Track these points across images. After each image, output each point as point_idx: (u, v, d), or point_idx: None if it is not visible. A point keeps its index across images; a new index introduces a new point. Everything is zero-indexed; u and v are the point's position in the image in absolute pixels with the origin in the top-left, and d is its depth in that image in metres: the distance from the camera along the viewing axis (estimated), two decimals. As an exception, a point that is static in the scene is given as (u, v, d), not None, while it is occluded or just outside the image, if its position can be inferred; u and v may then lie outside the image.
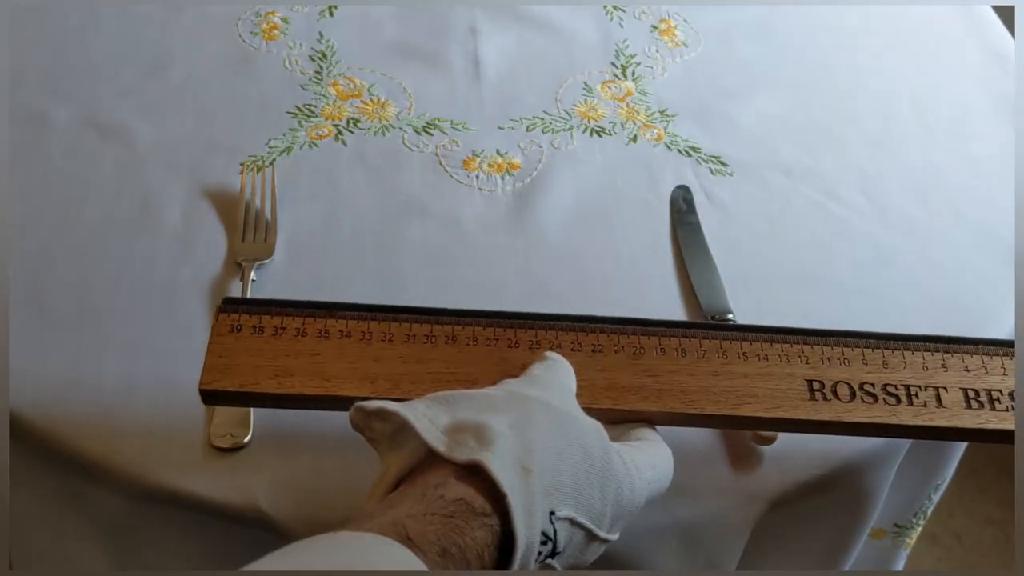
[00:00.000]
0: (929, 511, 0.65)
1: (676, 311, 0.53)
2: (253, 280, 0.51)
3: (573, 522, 0.33)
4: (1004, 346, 0.43)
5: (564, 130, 0.63)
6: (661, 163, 0.61)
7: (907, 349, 0.43)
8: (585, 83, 0.67)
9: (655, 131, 0.64)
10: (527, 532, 0.31)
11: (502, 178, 0.59)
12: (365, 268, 0.53)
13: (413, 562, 0.28)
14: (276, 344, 0.41)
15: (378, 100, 0.64)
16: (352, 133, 0.61)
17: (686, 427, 0.42)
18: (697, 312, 0.52)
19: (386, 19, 0.70)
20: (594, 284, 0.54)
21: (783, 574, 0.53)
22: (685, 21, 0.73)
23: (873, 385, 0.42)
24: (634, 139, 0.63)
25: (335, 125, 0.62)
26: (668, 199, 0.59)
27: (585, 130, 0.63)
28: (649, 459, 0.38)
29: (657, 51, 0.70)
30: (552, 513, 0.32)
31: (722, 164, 0.62)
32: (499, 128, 0.63)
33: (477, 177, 0.59)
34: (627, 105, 0.65)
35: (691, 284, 0.54)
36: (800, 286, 0.55)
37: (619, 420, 0.41)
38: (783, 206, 0.59)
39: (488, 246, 0.55)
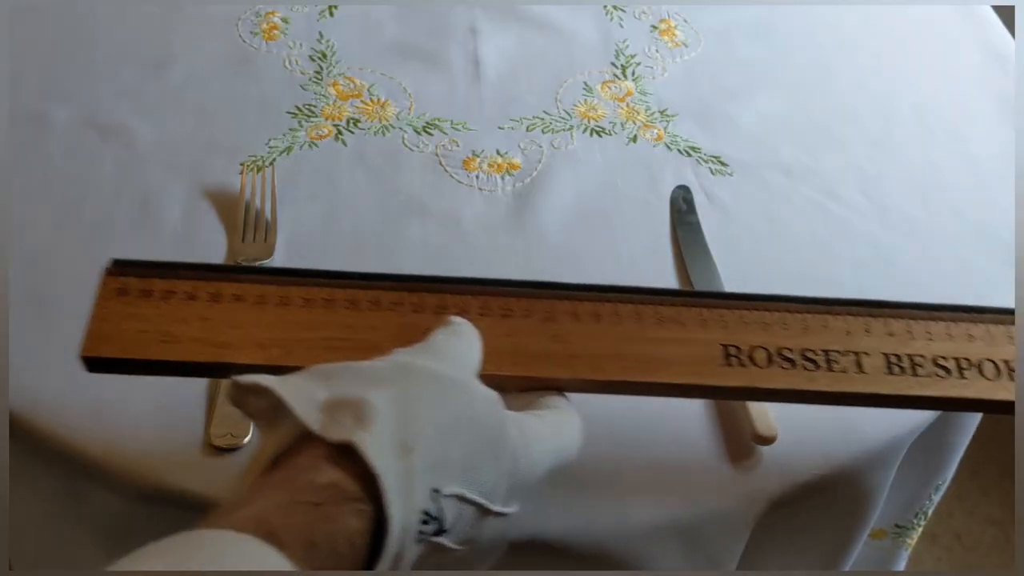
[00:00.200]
0: (930, 511, 0.65)
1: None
2: (253, 280, 0.51)
3: (462, 498, 0.32)
4: (928, 310, 0.42)
5: (564, 130, 0.63)
6: (661, 163, 0.61)
7: (829, 313, 0.42)
8: (585, 83, 0.67)
9: (655, 131, 0.64)
10: (403, 514, 0.29)
11: (502, 178, 0.59)
12: (365, 268, 0.53)
13: (275, 560, 0.26)
14: (164, 308, 0.38)
15: (378, 100, 0.64)
16: (352, 133, 0.61)
17: (597, 394, 0.40)
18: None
19: (386, 19, 0.70)
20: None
21: (783, 574, 0.53)
22: (685, 21, 0.73)
23: (791, 350, 0.40)
24: (634, 139, 0.63)
25: (335, 125, 0.62)
26: (668, 199, 0.59)
27: (585, 130, 0.63)
28: (552, 428, 0.36)
29: (657, 51, 0.70)
30: (437, 491, 0.30)
31: (722, 164, 0.62)
32: (499, 128, 0.63)
33: (477, 177, 0.59)
34: (627, 105, 0.65)
35: (691, 284, 0.54)
36: (800, 286, 0.54)
37: (528, 388, 0.39)
38: (783, 206, 0.59)
39: (488, 246, 0.55)
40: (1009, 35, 0.75)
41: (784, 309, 0.42)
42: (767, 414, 0.46)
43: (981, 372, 0.40)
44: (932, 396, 0.40)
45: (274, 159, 0.59)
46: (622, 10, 0.73)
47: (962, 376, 0.40)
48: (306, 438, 0.30)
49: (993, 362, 0.41)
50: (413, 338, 0.37)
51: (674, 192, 0.59)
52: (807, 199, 0.60)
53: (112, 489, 0.44)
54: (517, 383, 0.39)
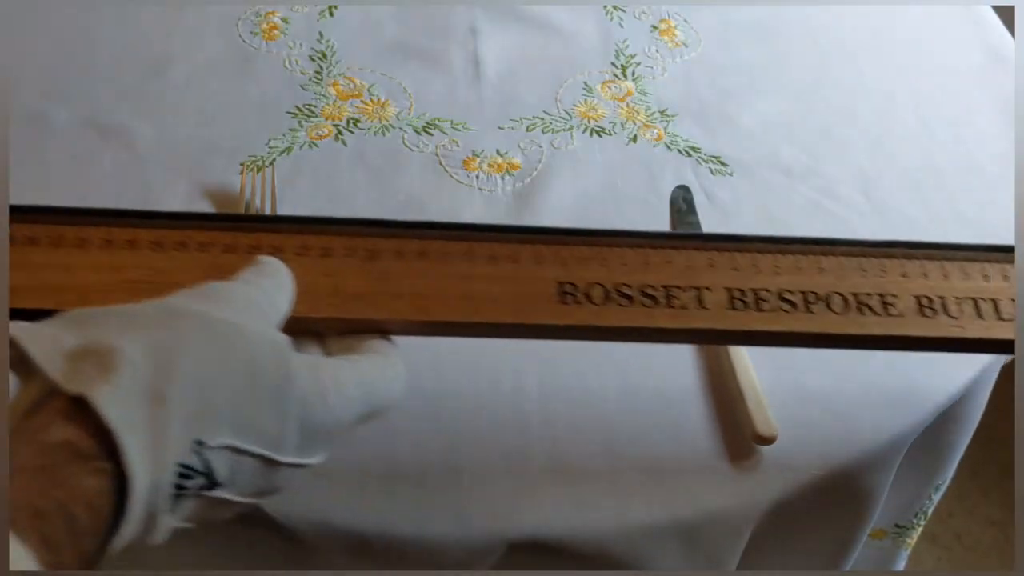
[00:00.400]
0: (929, 511, 0.65)
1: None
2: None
3: (237, 450, 0.30)
4: (776, 243, 0.41)
5: (564, 130, 0.63)
6: (661, 163, 0.61)
7: (673, 248, 0.40)
8: (585, 83, 0.67)
9: (655, 131, 0.64)
10: (150, 470, 0.27)
11: (502, 178, 0.59)
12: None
13: None
14: None
15: (378, 100, 0.64)
16: (352, 133, 0.61)
17: (425, 336, 0.39)
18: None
19: (386, 19, 0.70)
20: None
21: (783, 574, 0.53)
22: (685, 21, 0.73)
23: (630, 287, 0.38)
24: (634, 139, 0.63)
25: (335, 125, 0.62)
26: (668, 199, 0.59)
27: (585, 130, 0.63)
28: (361, 373, 0.34)
29: (657, 51, 0.70)
30: (201, 443, 0.28)
31: (722, 164, 0.62)
32: (499, 128, 0.63)
33: (477, 177, 0.59)
34: (627, 105, 0.65)
35: (691, 284, 0.53)
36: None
37: (350, 331, 0.37)
38: (783, 206, 0.59)
39: (488, 246, 0.55)
40: (1009, 35, 0.75)
41: (625, 244, 0.40)
42: (767, 414, 0.46)
43: (829, 306, 0.39)
44: (774, 331, 0.38)
45: (274, 159, 0.59)
46: (622, 10, 0.73)
47: (808, 310, 0.39)
48: (51, 392, 0.28)
49: (842, 295, 0.39)
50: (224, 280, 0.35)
51: (674, 192, 0.59)
52: (807, 199, 0.60)
53: (112, 489, 0.44)
54: (336, 325, 0.37)
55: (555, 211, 0.57)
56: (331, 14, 0.70)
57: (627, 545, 0.43)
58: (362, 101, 0.64)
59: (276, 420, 0.31)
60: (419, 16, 0.71)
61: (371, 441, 0.45)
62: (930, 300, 0.40)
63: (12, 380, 0.29)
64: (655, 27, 0.72)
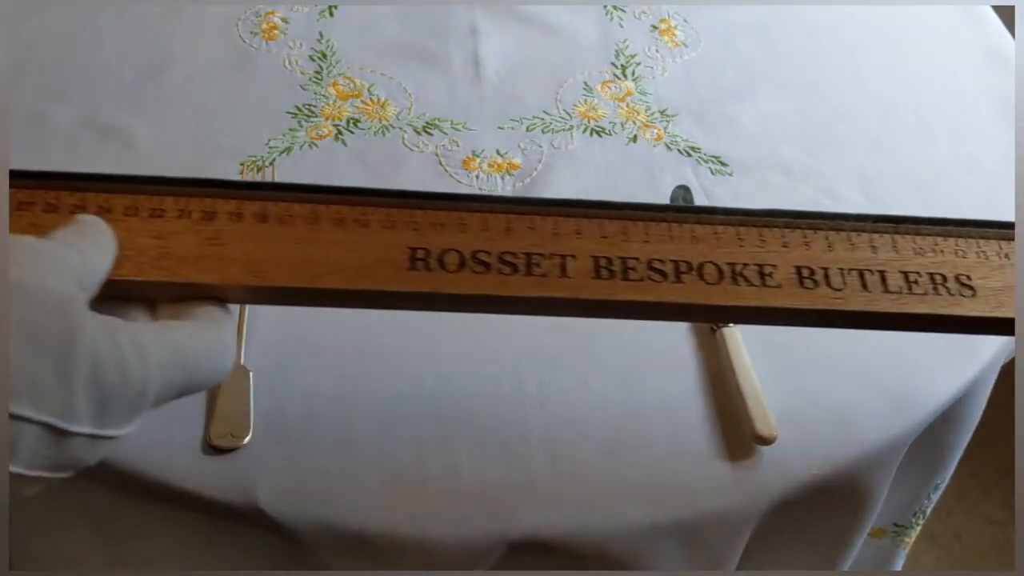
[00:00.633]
0: (928, 511, 0.65)
1: (676, 311, 0.53)
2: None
3: (13, 415, 0.28)
4: (649, 210, 0.39)
5: (564, 130, 0.63)
6: (661, 163, 0.61)
7: (537, 214, 0.38)
8: (585, 83, 0.67)
9: (655, 131, 0.64)
10: None
11: (502, 178, 0.59)
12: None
13: None
14: None
15: (378, 100, 0.64)
16: (352, 133, 0.61)
17: (262, 304, 0.37)
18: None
19: (386, 19, 0.70)
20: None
21: (783, 574, 0.53)
22: (685, 21, 0.73)
23: (488, 253, 0.36)
24: (634, 139, 0.63)
25: (335, 125, 0.62)
26: (668, 199, 0.59)
27: (585, 130, 0.63)
28: (175, 339, 0.32)
29: (657, 51, 0.70)
30: None
31: (722, 164, 0.62)
32: (499, 128, 0.63)
33: (477, 177, 0.59)
34: (627, 105, 0.65)
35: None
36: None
37: (179, 296, 0.35)
38: (783, 206, 0.59)
39: (488, 246, 0.55)
40: (1009, 35, 0.75)
41: (487, 210, 0.38)
42: (767, 414, 0.46)
43: (701, 276, 0.37)
44: (640, 301, 0.36)
45: (274, 159, 0.59)
46: (622, 10, 0.73)
47: (679, 280, 0.37)
48: None
49: (716, 265, 0.37)
50: None
51: (674, 192, 0.59)
52: (807, 199, 0.60)
53: (112, 489, 0.44)
54: (164, 290, 0.35)
55: (555, 211, 0.57)
56: (331, 14, 0.70)
57: (627, 545, 0.43)
58: (362, 101, 0.64)
59: (59, 384, 0.28)
60: (419, 16, 0.71)
61: (370, 441, 0.45)
62: (811, 271, 0.37)
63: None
64: (655, 27, 0.72)
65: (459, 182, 0.59)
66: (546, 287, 0.36)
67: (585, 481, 0.44)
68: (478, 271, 0.36)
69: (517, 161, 0.61)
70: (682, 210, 0.39)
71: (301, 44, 0.68)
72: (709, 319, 0.38)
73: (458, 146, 0.61)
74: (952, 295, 0.38)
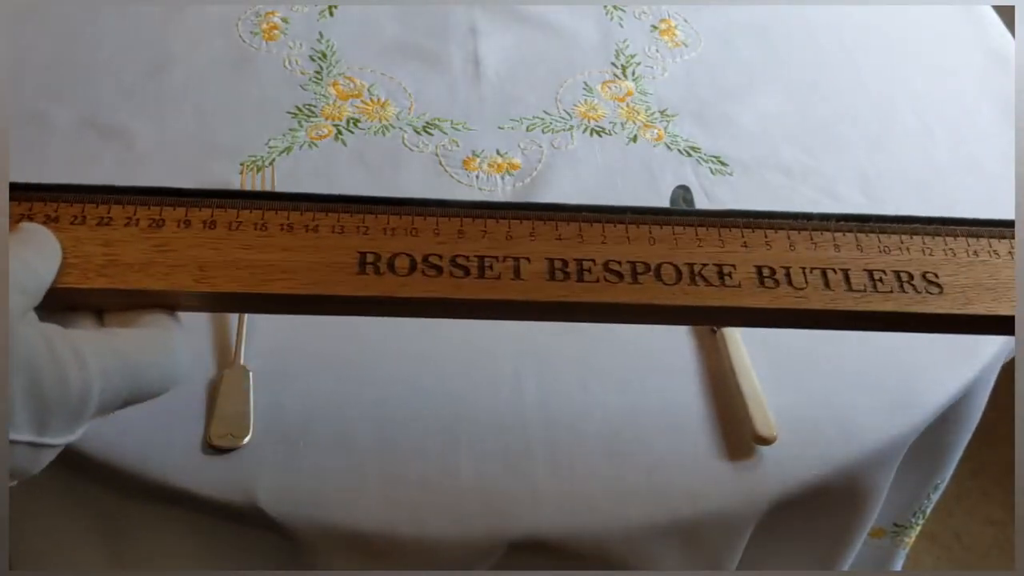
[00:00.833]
0: (928, 511, 0.65)
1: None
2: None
3: None
4: (605, 212, 0.38)
5: (564, 130, 0.63)
6: (661, 163, 0.61)
7: (492, 218, 0.37)
8: (585, 83, 0.67)
9: (655, 131, 0.64)
10: None
11: (502, 178, 0.59)
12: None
13: None
14: None
15: (378, 100, 0.64)
16: (352, 133, 0.61)
17: (210, 312, 0.37)
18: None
19: (386, 19, 0.70)
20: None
21: (783, 574, 0.53)
22: (685, 21, 0.73)
23: (440, 257, 0.36)
24: (634, 139, 0.63)
25: (335, 125, 0.62)
26: (668, 199, 0.59)
27: (585, 130, 0.63)
28: (118, 346, 0.32)
29: (657, 51, 0.70)
30: None
31: (722, 164, 0.62)
32: (499, 128, 0.63)
33: (477, 177, 0.59)
34: (627, 105, 0.65)
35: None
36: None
37: (128, 305, 0.35)
38: (783, 206, 0.59)
39: (488, 246, 0.55)
40: (1009, 35, 0.75)
41: (440, 214, 0.37)
42: (767, 414, 0.46)
43: (659, 276, 0.36)
44: (595, 302, 0.36)
45: (274, 159, 0.59)
46: (622, 10, 0.73)
47: (636, 281, 0.36)
48: None
49: (674, 265, 0.37)
50: None
51: (674, 192, 0.59)
52: (807, 199, 0.60)
53: (112, 489, 0.44)
54: (112, 298, 0.35)
55: (555, 211, 0.57)
56: (331, 14, 0.70)
57: (627, 545, 0.43)
58: (362, 101, 0.64)
59: None
60: (419, 16, 0.71)
61: (370, 441, 0.45)
62: (772, 270, 0.37)
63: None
64: (655, 27, 0.72)
65: (459, 182, 0.59)
66: (499, 290, 0.36)
67: (585, 481, 0.44)
68: (430, 274, 0.36)
69: (517, 161, 0.61)
70: (640, 211, 0.38)
71: (301, 44, 0.68)
72: (667, 320, 0.37)
73: (458, 146, 0.61)
74: (919, 293, 0.37)
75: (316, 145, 0.60)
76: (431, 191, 0.58)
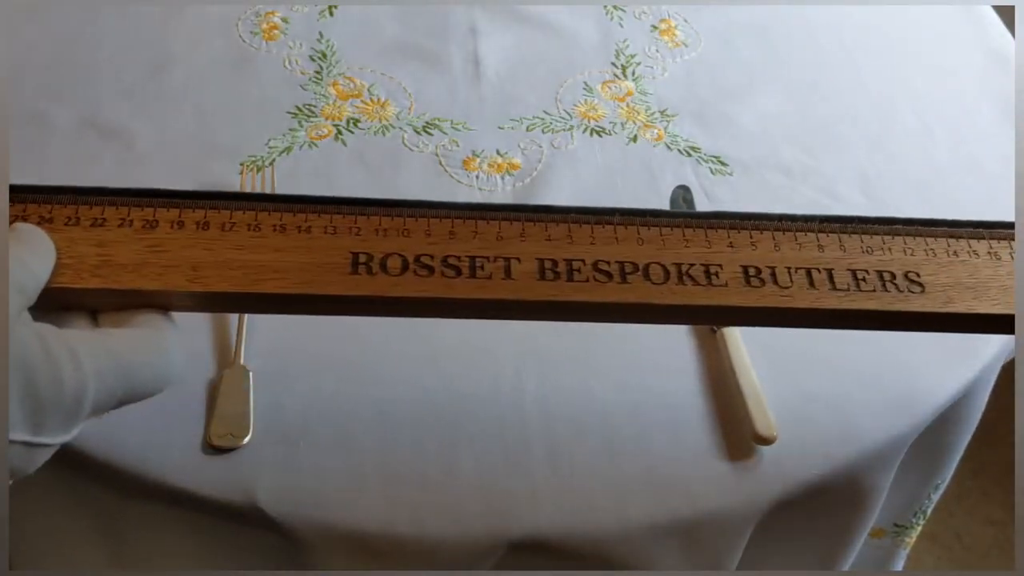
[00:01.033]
0: (929, 511, 0.65)
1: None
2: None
3: None
4: (594, 214, 0.39)
5: (564, 130, 0.63)
6: (661, 163, 0.61)
7: (482, 219, 0.38)
8: (585, 83, 0.67)
9: (655, 131, 0.64)
10: None
11: (502, 178, 0.59)
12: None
13: None
14: None
15: (378, 100, 0.64)
16: (352, 133, 0.61)
17: (203, 312, 0.37)
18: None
19: (386, 19, 0.70)
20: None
21: (783, 574, 0.53)
22: (685, 21, 0.73)
23: (432, 257, 0.36)
24: (634, 139, 0.63)
25: (335, 125, 0.62)
26: (668, 199, 0.59)
27: (585, 130, 0.63)
28: (112, 347, 0.32)
29: (657, 51, 0.70)
30: None
31: (722, 164, 0.62)
32: (499, 128, 0.63)
33: (477, 177, 0.59)
34: (627, 105, 0.65)
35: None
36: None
37: (122, 305, 0.35)
38: (783, 206, 0.59)
39: (488, 246, 0.55)
40: (1009, 35, 0.75)
41: (431, 215, 0.38)
42: (767, 414, 0.46)
43: (647, 276, 0.37)
44: (586, 301, 0.36)
45: (274, 159, 0.59)
46: (622, 10, 0.73)
47: (624, 281, 0.37)
48: None
49: (662, 265, 0.37)
50: None
51: (674, 192, 0.59)
52: (807, 199, 0.60)
53: (112, 489, 0.44)
54: (105, 298, 0.35)
55: (555, 211, 0.57)
56: (331, 14, 0.70)
57: (627, 545, 0.43)
58: (362, 101, 0.64)
59: None
60: (419, 16, 0.71)
61: (370, 441, 0.45)
62: (758, 270, 0.38)
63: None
64: (655, 27, 0.72)
65: (459, 182, 0.59)
66: (490, 289, 0.36)
67: (585, 481, 0.44)
68: (421, 274, 0.36)
69: (517, 161, 0.61)
70: (628, 213, 0.39)
71: (301, 44, 0.68)
72: (655, 320, 0.38)
73: (458, 146, 0.61)
74: (901, 292, 0.38)
75: (316, 145, 0.60)
76: (431, 191, 0.58)
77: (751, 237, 0.39)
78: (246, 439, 0.44)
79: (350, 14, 0.70)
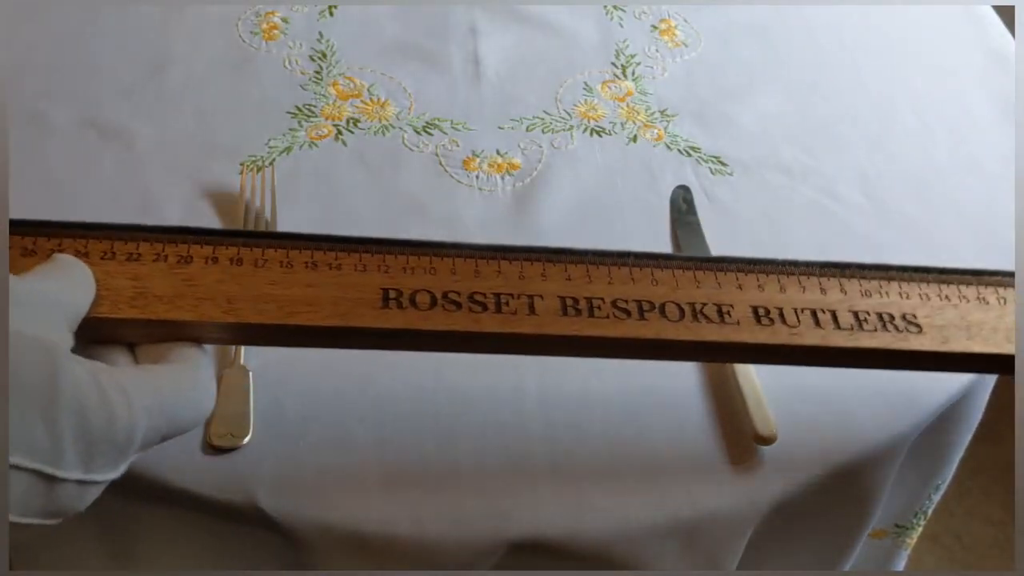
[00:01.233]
0: (930, 511, 0.65)
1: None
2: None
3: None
4: (611, 256, 0.41)
5: (564, 130, 0.63)
6: (661, 163, 0.61)
7: (505, 259, 0.40)
8: (585, 83, 0.67)
9: (655, 131, 0.64)
10: None
11: (502, 178, 0.59)
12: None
13: None
14: None
15: (378, 100, 0.64)
16: (352, 133, 0.61)
17: (237, 344, 0.38)
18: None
19: (386, 19, 0.70)
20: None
21: (783, 574, 0.53)
22: (685, 21, 0.73)
23: (459, 293, 0.38)
24: (634, 139, 0.63)
25: (335, 125, 0.62)
26: (668, 199, 0.59)
27: (585, 130, 0.63)
28: (156, 382, 0.32)
29: (657, 51, 0.70)
30: None
31: (722, 164, 0.62)
32: (499, 128, 0.63)
33: (477, 177, 0.59)
34: (627, 105, 0.65)
35: (691, 284, 0.53)
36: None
37: (162, 338, 0.36)
38: (783, 206, 0.59)
39: (488, 246, 0.55)
40: (1009, 35, 0.75)
41: (456, 255, 0.40)
42: (767, 414, 0.46)
43: (664, 314, 0.39)
44: (607, 337, 0.38)
45: (274, 159, 0.59)
46: (622, 10, 0.73)
47: (643, 318, 0.39)
48: None
49: (677, 304, 0.40)
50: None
51: (674, 192, 0.59)
52: (807, 199, 0.60)
53: (112, 488, 0.44)
54: (140, 329, 0.35)
55: (555, 211, 0.57)
56: (331, 14, 0.70)
57: (627, 545, 0.43)
58: (362, 101, 0.64)
59: (46, 431, 0.28)
60: (419, 16, 0.71)
61: (370, 441, 0.45)
62: (767, 310, 0.40)
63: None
64: (655, 27, 0.72)
65: (459, 182, 0.59)
66: (515, 324, 0.38)
67: (585, 481, 0.44)
68: (449, 309, 0.38)
69: (517, 161, 0.61)
70: (641, 256, 0.41)
71: (301, 44, 0.68)
72: (673, 356, 0.40)
73: (458, 146, 0.61)
74: (900, 332, 0.40)
75: (316, 145, 0.60)
76: (431, 191, 0.58)
77: (758, 280, 0.41)
78: (246, 439, 0.44)
79: (350, 14, 0.70)
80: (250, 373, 0.46)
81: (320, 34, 0.68)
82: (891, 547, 0.67)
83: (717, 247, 0.56)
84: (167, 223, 0.54)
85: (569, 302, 0.39)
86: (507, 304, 0.38)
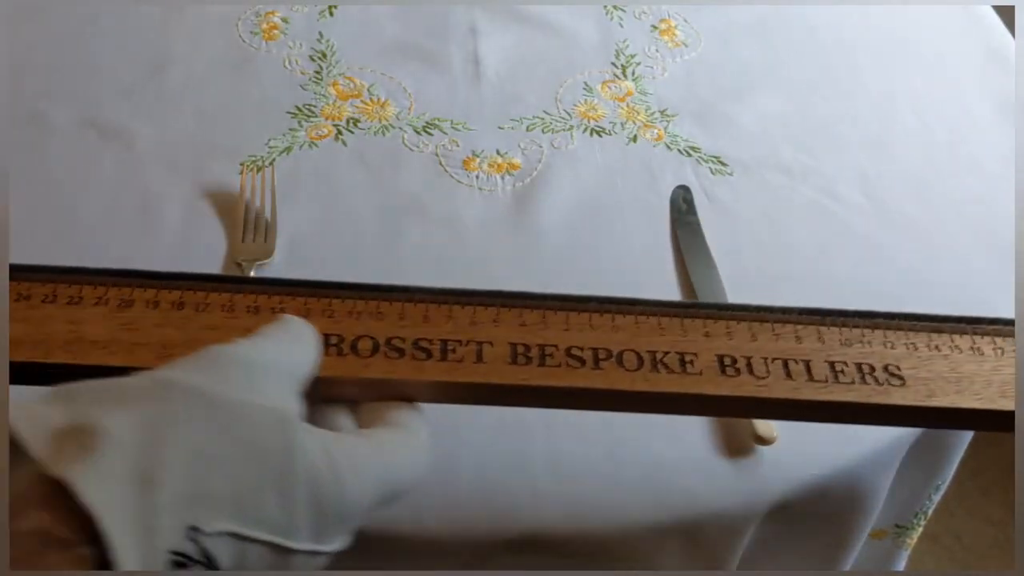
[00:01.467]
0: (930, 511, 0.65)
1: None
2: (253, 280, 0.51)
3: (239, 536, 0.28)
4: (568, 301, 0.39)
5: (564, 130, 0.63)
6: (661, 163, 0.61)
7: (457, 304, 0.38)
8: (585, 83, 0.67)
9: (655, 131, 0.64)
10: (137, 556, 0.25)
11: (502, 178, 0.59)
12: (365, 268, 0.53)
13: None
14: None
15: (378, 100, 0.64)
16: (352, 133, 0.61)
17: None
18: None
19: (386, 19, 0.70)
20: (594, 285, 0.54)
21: (783, 574, 0.53)
22: (685, 21, 0.73)
23: (403, 340, 0.37)
24: (634, 139, 0.63)
25: (335, 125, 0.62)
26: (668, 199, 0.59)
27: (585, 130, 0.63)
28: (379, 452, 0.33)
29: (657, 51, 0.70)
30: (196, 529, 0.27)
31: (722, 164, 0.62)
32: (499, 128, 0.63)
33: (477, 177, 0.59)
34: (627, 105, 0.65)
35: (691, 284, 0.54)
36: (800, 286, 0.55)
37: (379, 397, 0.36)
38: (783, 206, 0.59)
39: (488, 246, 0.55)
40: (1009, 35, 0.75)
41: (404, 299, 0.38)
42: (767, 414, 0.46)
43: (621, 363, 0.37)
44: (556, 387, 0.36)
45: (274, 159, 0.59)
46: (622, 10, 0.73)
47: (597, 367, 0.37)
48: (39, 475, 0.26)
49: (636, 352, 0.37)
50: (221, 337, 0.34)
51: (674, 192, 0.59)
52: (807, 199, 0.60)
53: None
54: (357, 388, 0.36)
55: (555, 211, 0.57)
56: (331, 14, 0.70)
57: (627, 545, 0.43)
58: (362, 101, 0.64)
59: (280, 504, 0.29)
60: (419, 16, 0.71)
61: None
62: (733, 359, 0.37)
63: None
64: (655, 27, 0.72)
65: (459, 182, 0.59)
66: (460, 372, 0.36)
67: (585, 481, 0.44)
68: (392, 356, 0.36)
69: (517, 161, 0.61)
70: (603, 300, 0.39)
71: (301, 44, 0.68)
72: (627, 408, 0.38)
73: (458, 146, 0.61)
74: (880, 384, 0.37)
75: (316, 145, 0.60)
76: (431, 191, 0.58)
77: (727, 327, 0.38)
78: (246, 439, 0.44)
79: (350, 14, 0.70)
80: (250, 373, 0.46)
81: (320, 34, 0.68)
82: (891, 547, 0.67)
83: (717, 247, 0.56)
84: (166, 223, 0.54)
85: (520, 349, 0.37)
86: (453, 351, 0.37)
